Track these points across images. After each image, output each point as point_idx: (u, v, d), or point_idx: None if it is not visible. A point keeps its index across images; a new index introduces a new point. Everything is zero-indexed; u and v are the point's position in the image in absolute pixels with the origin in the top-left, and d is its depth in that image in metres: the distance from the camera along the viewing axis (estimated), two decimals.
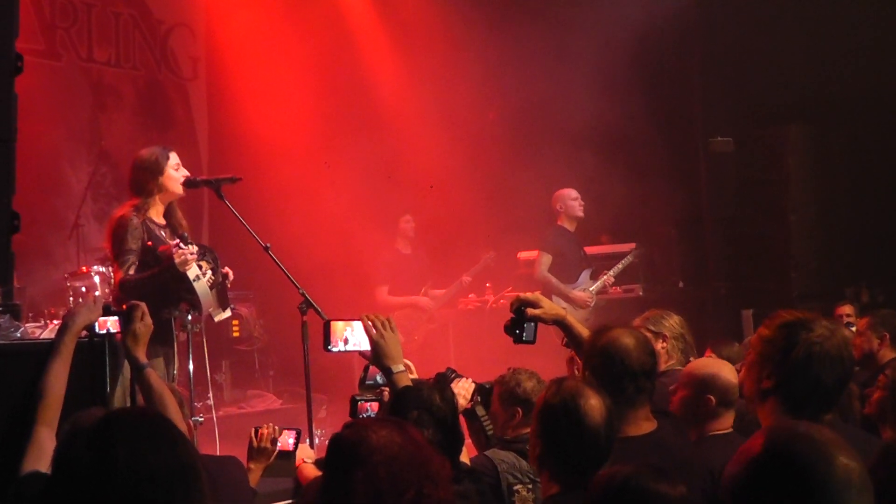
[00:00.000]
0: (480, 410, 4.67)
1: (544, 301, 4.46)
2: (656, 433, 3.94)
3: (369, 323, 4.20)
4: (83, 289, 8.60)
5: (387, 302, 10.39)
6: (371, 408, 4.32)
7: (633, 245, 10.33)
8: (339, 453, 2.71)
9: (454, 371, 4.74)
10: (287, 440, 4.91)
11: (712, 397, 4.46)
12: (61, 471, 2.28)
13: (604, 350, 3.98)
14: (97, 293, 8.41)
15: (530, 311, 4.41)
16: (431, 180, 11.10)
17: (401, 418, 3.47)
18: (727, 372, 4.55)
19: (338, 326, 4.38)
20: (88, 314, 4.18)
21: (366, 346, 4.25)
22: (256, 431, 4.93)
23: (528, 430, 4.87)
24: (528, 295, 4.48)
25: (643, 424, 3.94)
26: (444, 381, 4.15)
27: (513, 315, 4.46)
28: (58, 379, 3.88)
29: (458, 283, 10.75)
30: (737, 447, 2.32)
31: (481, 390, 4.71)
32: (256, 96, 11.52)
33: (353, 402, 4.35)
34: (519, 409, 4.74)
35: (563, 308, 4.67)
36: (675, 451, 3.90)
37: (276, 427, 4.94)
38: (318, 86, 11.43)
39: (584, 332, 4.41)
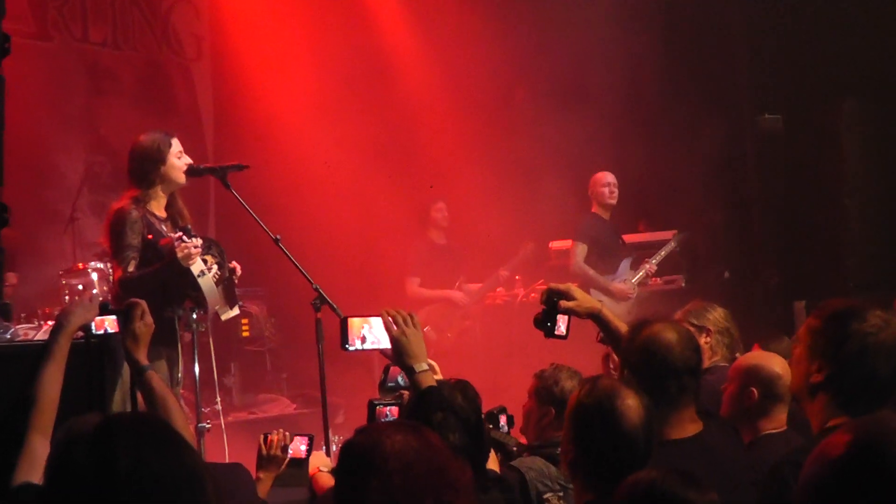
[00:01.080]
0: (496, 434, 4.66)
1: (577, 292, 4.42)
2: (702, 436, 3.91)
3: (389, 319, 4.17)
4: (79, 286, 8.62)
5: (418, 294, 10.41)
6: (391, 412, 4.29)
7: (674, 231, 10.29)
8: (351, 461, 2.70)
9: None
10: (299, 447, 4.92)
11: (755, 389, 4.51)
12: (58, 479, 2.28)
13: (644, 346, 3.94)
14: (94, 291, 8.44)
15: (563, 303, 4.38)
16: (454, 162, 11.08)
17: (423, 421, 3.45)
18: (774, 363, 4.56)
19: (355, 323, 4.36)
20: (84, 313, 4.18)
21: (385, 343, 4.22)
22: (265, 438, 4.94)
23: (559, 433, 4.89)
24: (560, 285, 4.44)
25: (688, 426, 3.90)
26: (465, 383, 4.11)
27: (543, 307, 4.43)
28: (52, 383, 3.87)
29: (494, 277, 10.73)
30: (794, 446, 2.26)
31: (490, 417, 4.70)
32: (265, 77, 11.53)
33: (371, 407, 4.33)
34: (552, 410, 4.74)
35: (600, 301, 4.64)
36: (722, 454, 3.87)
37: (287, 433, 4.94)
38: (331, 66, 11.41)
39: (622, 326, 4.38)
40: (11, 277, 8.57)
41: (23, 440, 3.68)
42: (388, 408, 4.30)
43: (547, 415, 4.82)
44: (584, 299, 4.44)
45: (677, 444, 3.82)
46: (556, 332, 4.42)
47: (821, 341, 3.45)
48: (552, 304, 4.40)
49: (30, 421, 3.75)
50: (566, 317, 4.41)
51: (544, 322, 4.42)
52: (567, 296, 4.39)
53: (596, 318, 4.43)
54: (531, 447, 4.71)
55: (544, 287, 4.53)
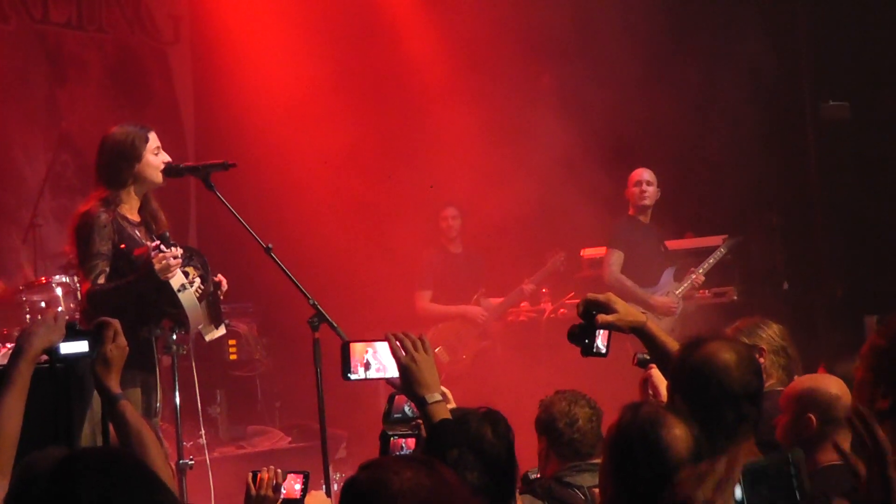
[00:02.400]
0: None
1: (619, 303, 4.39)
2: None
3: (397, 343, 4.14)
4: (42, 303, 8.64)
5: (430, 310, 10.41)
6: (407, 444, 4.28)
7: (724, 236, 10.26)
8: (354, 501, 2.69)
9: None
10: (293, 486, 4.92)
11: (813, 416, 4.49)
12: None
13: (697, 367, 3.91)
14: (59, 308, 8.44)
15: (602, 317, 4.34)
16: (469, 157, 11.04)
17: (438, 459, 3.43)
18: (829, 384, 4.56)
19: (357, 348, 4.32)
20: (48, 334, 4.16)
21: (392, 370, 4.19)
22: (255, 476, 4.95)
23: (556, 467, 4.90)
24: (599, 296, 4.41)
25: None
26: (496, 414, 4.09)
27: (581, 320, 4.39)
28: (12, 415, 3.86)
29: (517, 291, 10.71)
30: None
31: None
32: (253, 63, 11.52)
33: (385, 439, 4.30)
34: (544, 439, 4.74)
35: (644, 313, 4.60)
36: None
37: (279, 470, 4.94)
38: (326, 48, 11.40)
39: (671, 343, 4.35)
40: None
41: None
42: (404, 440, 4.27)
43: (542, 446, 4.83)
44: (627, 311, 4.40)
45: None
46: (594, 350, 4.37)
47: (885, 362, 3.49)
48: (590, 317, 4.36)
49: None
50: (606, 332, 4.38)
51: (581, 338, 4.38)
52: (607, 308, 4.36)
53: (640, 332, 4.40)
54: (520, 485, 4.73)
55: (575, 302, 4.51)
